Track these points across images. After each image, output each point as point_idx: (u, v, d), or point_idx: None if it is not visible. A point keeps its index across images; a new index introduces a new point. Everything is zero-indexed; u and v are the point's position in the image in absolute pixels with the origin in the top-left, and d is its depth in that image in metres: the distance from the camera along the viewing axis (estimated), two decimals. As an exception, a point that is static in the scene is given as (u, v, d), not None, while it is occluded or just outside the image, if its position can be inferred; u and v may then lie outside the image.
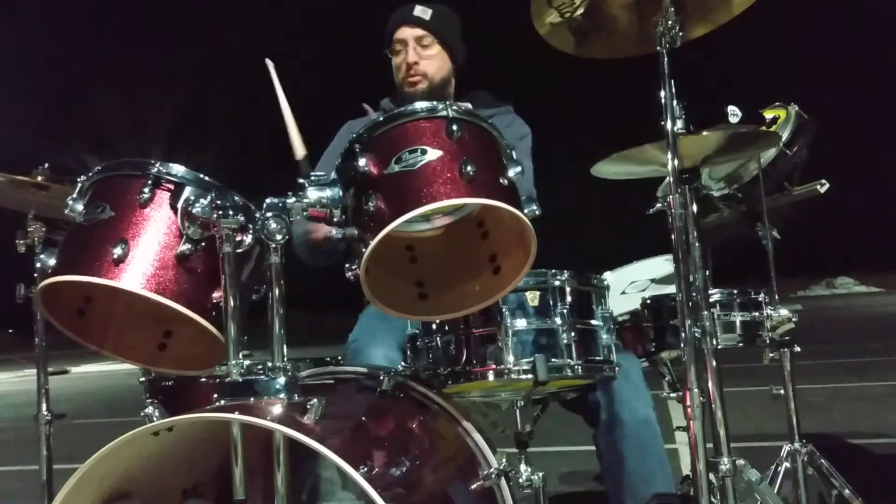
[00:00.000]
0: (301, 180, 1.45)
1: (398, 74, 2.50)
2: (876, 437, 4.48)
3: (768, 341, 2.19)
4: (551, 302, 1.72)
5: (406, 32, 2.47)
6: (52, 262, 1.42)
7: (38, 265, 1.44)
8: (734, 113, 2.06)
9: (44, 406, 2.52)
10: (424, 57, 2.47)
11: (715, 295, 2.09)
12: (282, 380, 1.36)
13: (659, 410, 2.09)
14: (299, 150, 2.54)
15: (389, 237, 1.32)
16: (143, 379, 1.82)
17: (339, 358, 1.92)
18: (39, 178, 2.34)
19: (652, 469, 2.00)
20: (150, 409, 1.74)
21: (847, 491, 2.27)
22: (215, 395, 1.37)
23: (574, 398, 2.09)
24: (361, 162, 1.38)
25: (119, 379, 12.35)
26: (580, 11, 1.84)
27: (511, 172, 1.41)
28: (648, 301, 2.19)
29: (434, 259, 1.60)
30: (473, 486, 1.60)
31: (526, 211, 1.41)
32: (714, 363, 1.64)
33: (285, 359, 1.39)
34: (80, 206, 1.44)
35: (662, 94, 1.66)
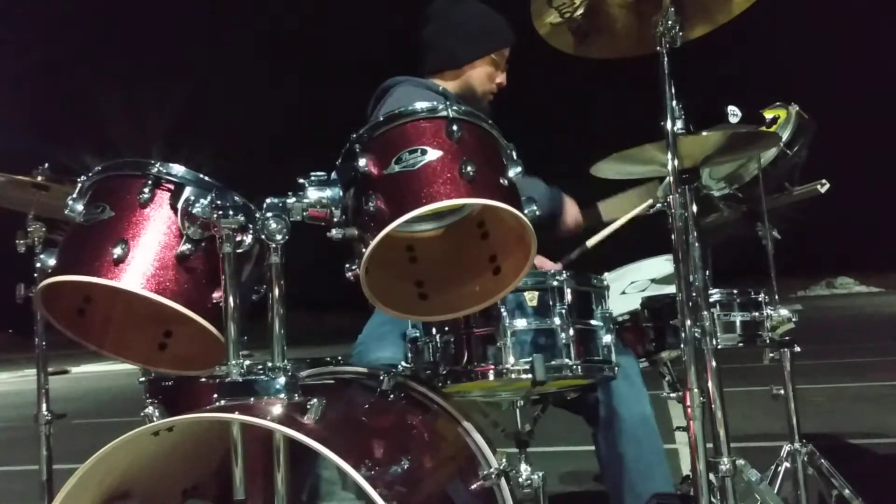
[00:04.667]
0: None
1: (488, 85, 2.48)
2: (876, 437, 4.49)
3: (768, 341, 2.18)
4: (550, 302, 1.72)
5: (508, 53, 2.49)
6: (52, 262, 1.42)
7: (38, 265, 1.44)
8: (734, 113, 2.06)
9: (44, 406, 2.52)
10: None
11: (715, 295, 2.09)
12: (282, 380, 1.36)
13: (659, 410, 2.09)
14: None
15: (389, 237, 1.32)
16: (143, 379, 1.82)
17: (339, 358, 1.92)
18: (39, 178, 2.35)
19: (650, 466, 2.01)
20: (150, 409, 1.74)
21: (847, 491, 2.27)
22: (215, 395, 1.37)
23: (573, 398, 2.09)
24: (361, 162, 1.38)
25: (119, 379, 12.35)
26: (580, 11, 1.84)
27: (511, 172, 1.41)
28: (648, 301, 2.19)
29: (434, 259, 1.60)
30: (473, 486, 1.60)
31: (526, 211, 1.41)
32: (714, 363, 1.63)
33: (285, 359, 1.39)
34: (80, 206, 1.44)
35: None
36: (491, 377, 1.68)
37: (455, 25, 2.46)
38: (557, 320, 1.70)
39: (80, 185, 1.50)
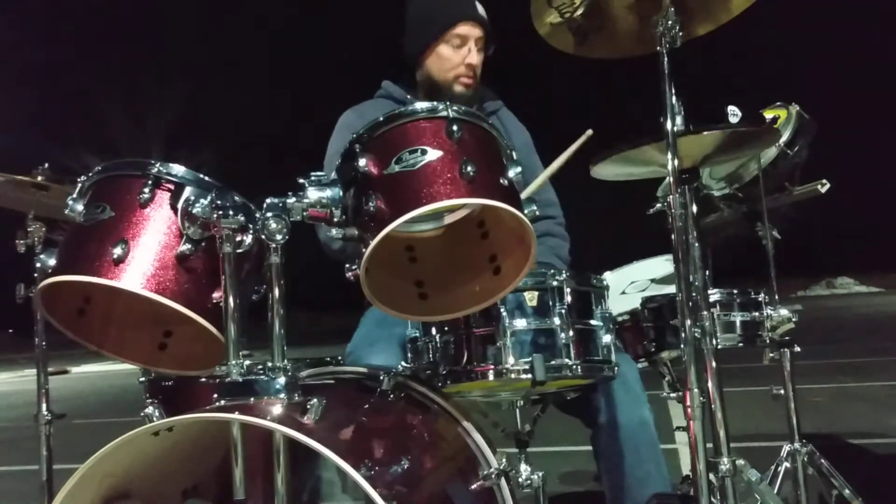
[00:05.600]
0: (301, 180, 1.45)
1: (449, 69, 2.37)
2: (876, 437, 4.49)
3: (768, 341, 2.18)
4: (550, 302, 1.71)
5: (469, 29, 2.35)
6: (52, 262, 1.42)
7: (38, 265, 1.44)
8: (734, 113, 2.06)
9: (44, 406, 2.53)
10: (480, 61, 2.40)
11: (715, 295, 2.09)
12: (282, 380, 1.36)
13: (659, 410, 2.09)
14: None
15: (389, 237, 1.32)
16: (143, 379, 1.82)
17: (339, 358, 1.92)
18: (39, 178, 2.35)
19: (649, 472, 2.00)
20: (150, 409, 1.73)
21: (847, 491, 2.27)
22: (215, 395, 1.37)
23: (572, 402, 2.08)
24: (361, 162, 1.38)
25: (119, 379, 12.36)
26: (580, 11, 1.84)
27: (511, 173, 1.41)
28: (648, 301, 2.19)
29: (434, 259, 1.60)
30: (473, 486, 1.60)
31: (526, 211, 1.41)
32: (714, 363, 1.64)
33: (285, 359, 1.39)
34: (80, 206, 1.44)
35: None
36: (491, 377, 1.68)
37: (405, 25, 2.46)
38: (557, 320, 1.70)
39: (80, 185, 1.50)
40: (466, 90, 2.40)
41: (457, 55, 2.37)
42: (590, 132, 2.09)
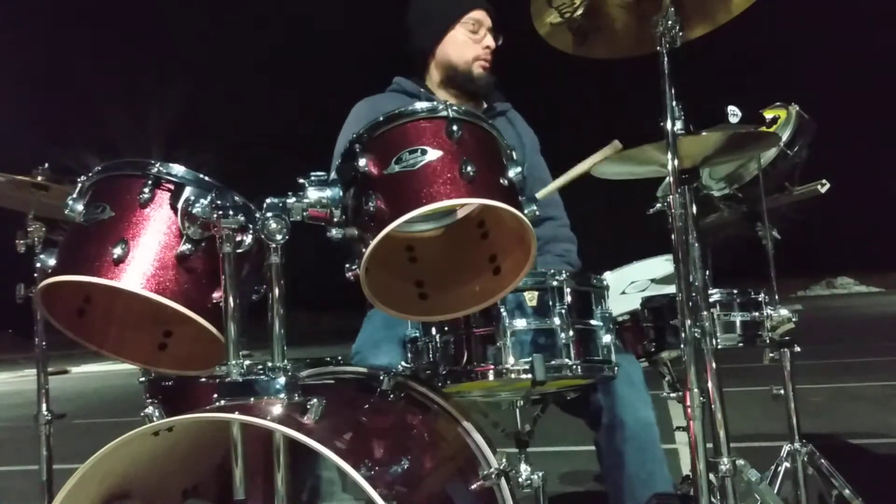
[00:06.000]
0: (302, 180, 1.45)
1: (468, 52, 2.43)
2: (876, 437, 4.49)
3: (768, 341, 2.18)
4: (550, 302, 1.71)
5: (483, 16, 2.44)
6: (52, 262, 1.42)
7: (38, 265, 1.44)
8: (734, 113, 2.06)
9: (44, 406, 2.53)
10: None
11: (715, 295, 2.09)
12: (282, 380, 1.36)
13: (659, 410, 2.09)
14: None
15: (389, 237, 1.32)
16: (143, 379, 1.82)
17: (339, 358, 1.92)
18: (39, 178, 2.35)
19: (652, 472, 2.00)
20: (150, 409, 1.74)
21: (847, 491, 2.27)
22: (215, 395, 1.37)
23: (574, 401, 2.08)
24: (361, 162, 1.38)
25: (119, 379, 12.37)
26: (580, 11, 1.84)
27: (511, 173, 1.41)
28: (648, 301, 2.19)
29: (434, 259, 1.60)
30: (473, 486, 1.60)
31: (526, 211, 1.41)
32: (714, 363, 1.63)
33: (285, 359, 1.39)
34: (80, 206, 1.44)
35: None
36: (491, 377, 1.68)
37: (413, 21, 2.50)
38: (557, 320, 1.70)
39: (80, 185, 1.50)
40: (485, 73, 2.44)
41: (472, 38, 2.43)
42: (618, 145, 2.01)
